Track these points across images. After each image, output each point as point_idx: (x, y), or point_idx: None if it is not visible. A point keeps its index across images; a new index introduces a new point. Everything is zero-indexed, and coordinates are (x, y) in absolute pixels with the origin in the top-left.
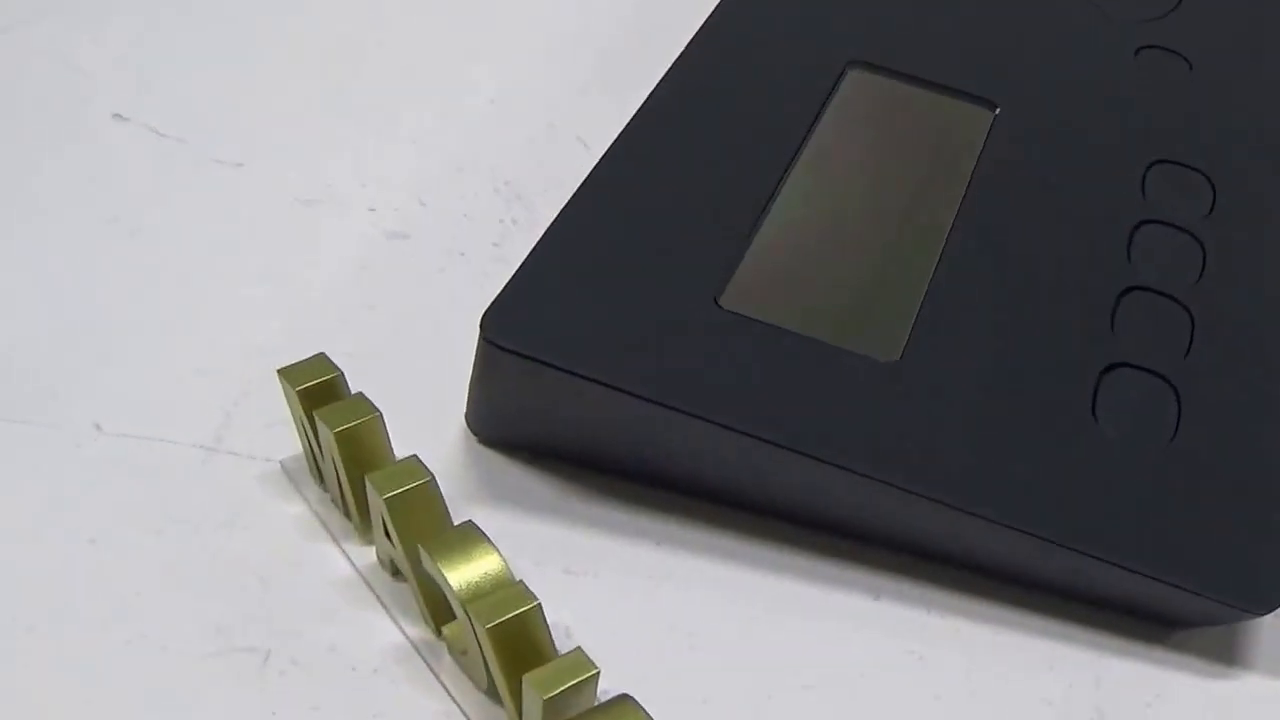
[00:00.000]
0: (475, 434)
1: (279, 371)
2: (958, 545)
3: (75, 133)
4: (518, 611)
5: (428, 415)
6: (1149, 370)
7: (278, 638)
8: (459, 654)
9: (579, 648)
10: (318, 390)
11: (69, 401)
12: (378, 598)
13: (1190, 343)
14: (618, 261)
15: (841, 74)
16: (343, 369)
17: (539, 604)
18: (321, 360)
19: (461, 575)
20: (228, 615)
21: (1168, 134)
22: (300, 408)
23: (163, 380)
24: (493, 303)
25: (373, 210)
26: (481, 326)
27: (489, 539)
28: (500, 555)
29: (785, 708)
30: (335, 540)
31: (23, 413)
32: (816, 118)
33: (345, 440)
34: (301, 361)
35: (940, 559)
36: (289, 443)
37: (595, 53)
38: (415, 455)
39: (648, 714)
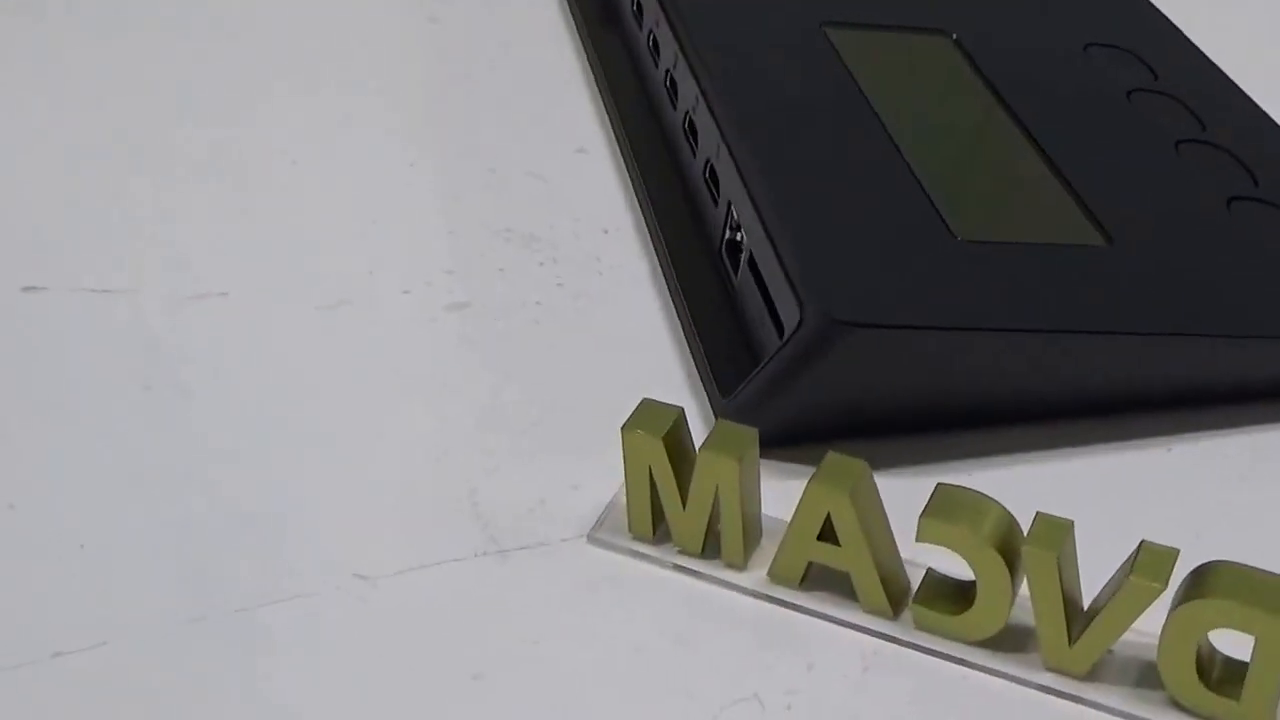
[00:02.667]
0: None
1: (624, 429)
2: (1240, 375)
3: (9, 312)
4: (1068, 530)
5: None
6: (1262, 200)
7: (751, 681)
8: (941, 614)
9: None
10: (674, 433)
11: (314, 566)
12: (802, 610)
13: (1249, 172)
14: (859, 233)
15: (826, 35)
16: (533, 440)
17: (1072, 521)
18: (653, 405)
19: (992, 527)
20: (683, 682)
21: (1071, 22)
22: (661, 454)
23: (382, 513)
24: (809, 293)
25: (407, 292)
26: (824, 313)
27: (975, 490)
28: (993, 500)
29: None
30: (711, 580)
31: (281, 590)
32: (851, 74)
33: (748, 466)
34: (635, 413)
35: (1217, 397)
36: (564, 519)
37: (484, 92)
38: (831, 451)
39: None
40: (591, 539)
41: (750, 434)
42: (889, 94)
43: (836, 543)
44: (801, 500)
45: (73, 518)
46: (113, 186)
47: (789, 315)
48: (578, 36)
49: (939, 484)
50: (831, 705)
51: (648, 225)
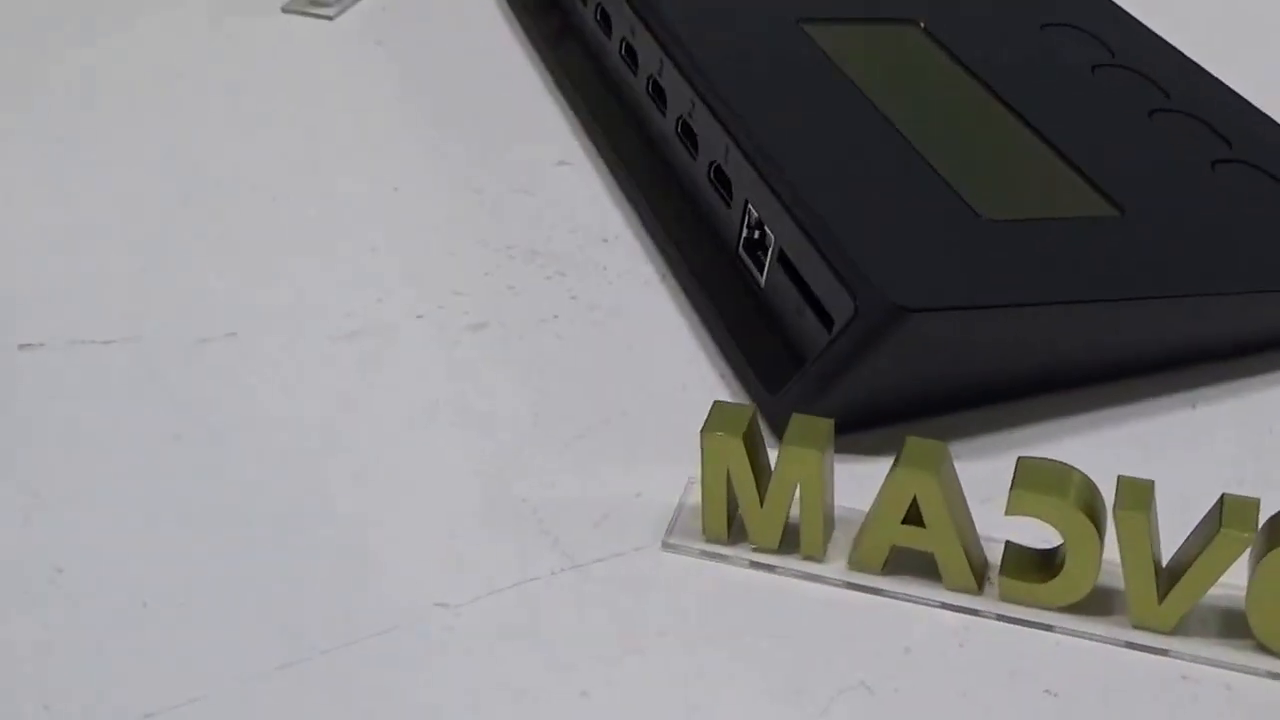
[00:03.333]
0: None
1: (703, 432)
2: (1255, 328)
3: (10, 372)
4: (1152, 491)
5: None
6: (1241, 161)
7: (853, 670)
8: (1029, 584)
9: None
10: (750, 433)
11: (391, 600)
12: (887, 594)
13: (1221, 136)
14: (890, 220)
15: (804, 32)
16: (583, 452)
17: (1153, 481)
18: (726, 406)
19: (1077, 494)
20: (788, 678)
21: (1022, 4)
22: (741, 454)
23: (449, 540)
24: (863, 283)
25: (421, 317)
26: (883, 300)
27: (1055, 460)
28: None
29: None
30: (793, 574)
31: (364, 628)
32: (839, 68)
33: (827, 458)
34: (711, 416)
35: (1233, 351)
36: (633, 527)
37: (449, 112)
38: (910, 436)
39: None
40: (666, 545)
41: (827, 425)
42: (879, 84)
43: (921, 525)
44: (886, 485)
45: (126, 576)
46: (94, 235)
47: (838, 307)
48: (528, 48)
49: (1020, 457)
50: (937, 684)
51: (649, 231)
